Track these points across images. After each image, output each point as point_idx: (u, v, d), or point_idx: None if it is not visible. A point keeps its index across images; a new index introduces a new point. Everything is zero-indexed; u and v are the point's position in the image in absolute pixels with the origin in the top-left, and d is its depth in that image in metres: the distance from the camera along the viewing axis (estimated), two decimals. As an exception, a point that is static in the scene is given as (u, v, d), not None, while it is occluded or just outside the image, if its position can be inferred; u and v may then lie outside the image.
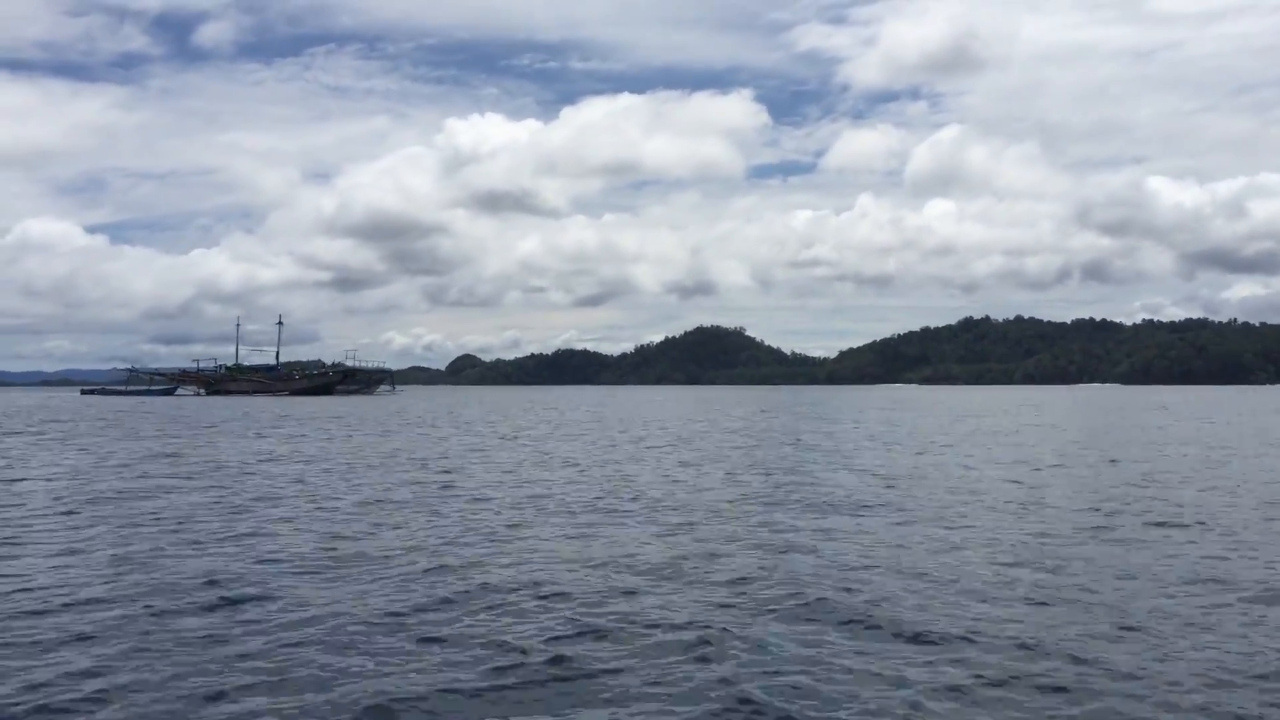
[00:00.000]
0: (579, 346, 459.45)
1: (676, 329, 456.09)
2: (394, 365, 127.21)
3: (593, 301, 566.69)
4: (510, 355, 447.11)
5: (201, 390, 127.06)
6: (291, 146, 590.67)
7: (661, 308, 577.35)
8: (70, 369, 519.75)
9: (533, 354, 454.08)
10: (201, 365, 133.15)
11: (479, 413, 59.67)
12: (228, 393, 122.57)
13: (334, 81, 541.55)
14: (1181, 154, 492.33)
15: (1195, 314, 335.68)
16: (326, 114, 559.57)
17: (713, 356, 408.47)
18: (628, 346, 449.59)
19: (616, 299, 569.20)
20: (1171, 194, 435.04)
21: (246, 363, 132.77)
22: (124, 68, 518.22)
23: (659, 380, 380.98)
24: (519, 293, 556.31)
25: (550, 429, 38.72)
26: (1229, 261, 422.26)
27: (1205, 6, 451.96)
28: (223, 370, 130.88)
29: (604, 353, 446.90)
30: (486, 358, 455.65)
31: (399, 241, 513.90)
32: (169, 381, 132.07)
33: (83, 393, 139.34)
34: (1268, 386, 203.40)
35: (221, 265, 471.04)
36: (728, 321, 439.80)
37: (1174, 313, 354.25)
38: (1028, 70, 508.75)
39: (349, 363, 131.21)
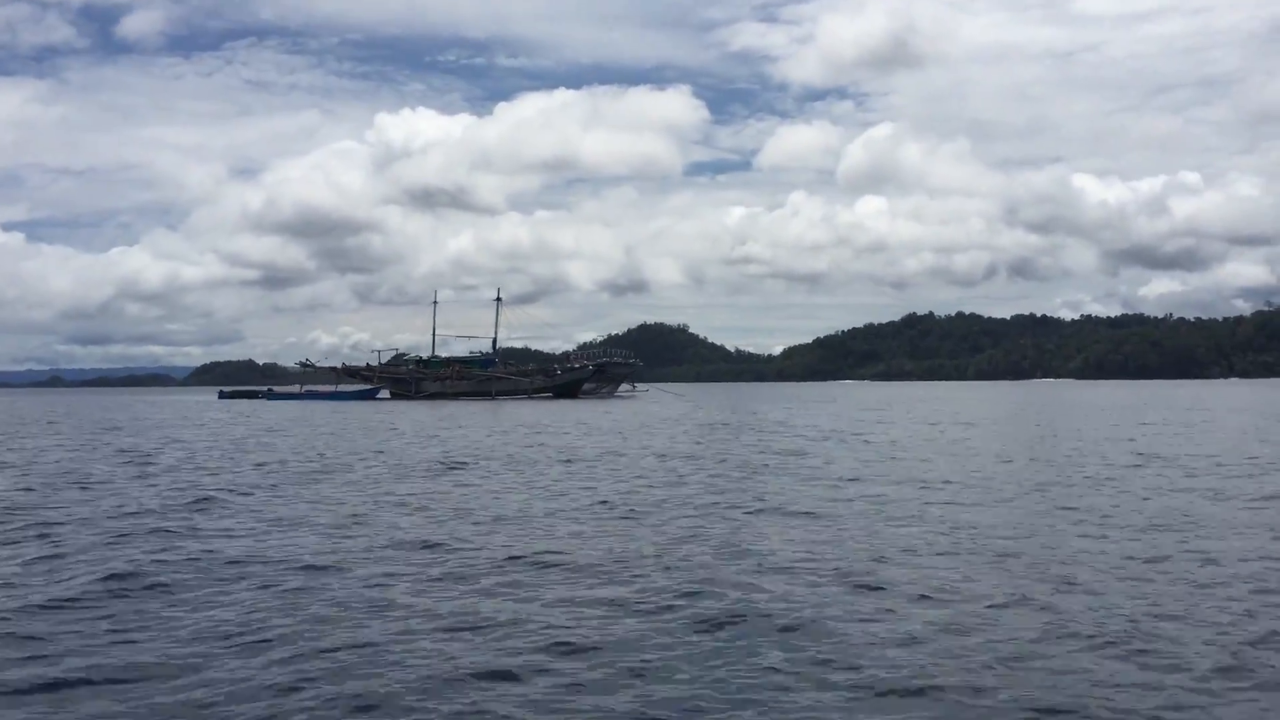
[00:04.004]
0: (514, 345, 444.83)
1: (609, 327, 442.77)
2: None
3: (524, 300, 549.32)
4: (441, 354, 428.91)
5: (386, 391, 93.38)
6: (216, 142, 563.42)
7: (593, 305, 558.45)
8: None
9: (474, 352, 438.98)
10: (383, 356, 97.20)
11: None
12: (430, 396, 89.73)
13: (256, 76, 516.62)
14: (1104, 153, 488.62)
15: (1115, 310, 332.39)
16: (250, 109, 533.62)
17: (658, 354, 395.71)
18: (560, 345, 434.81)
19: (548, 297, 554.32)
20: (1096, 192, 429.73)
21: (448, 353, 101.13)
22: (42, 60, 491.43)
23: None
24: (450, 290, 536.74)
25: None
26: (1149, 258, 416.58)
27: (1127, 9, 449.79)
28: (413, 363, 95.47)
29: (541, 350, 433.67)
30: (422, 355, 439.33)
31: (328, 239, 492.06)
32: (362, 380, 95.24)
33: (221, 396, 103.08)
34: (1221, 381, 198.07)
35: (143, 263, 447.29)
36: (661, 318, 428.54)
37: (1095, 308, 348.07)
38: (957, 69, 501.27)
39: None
